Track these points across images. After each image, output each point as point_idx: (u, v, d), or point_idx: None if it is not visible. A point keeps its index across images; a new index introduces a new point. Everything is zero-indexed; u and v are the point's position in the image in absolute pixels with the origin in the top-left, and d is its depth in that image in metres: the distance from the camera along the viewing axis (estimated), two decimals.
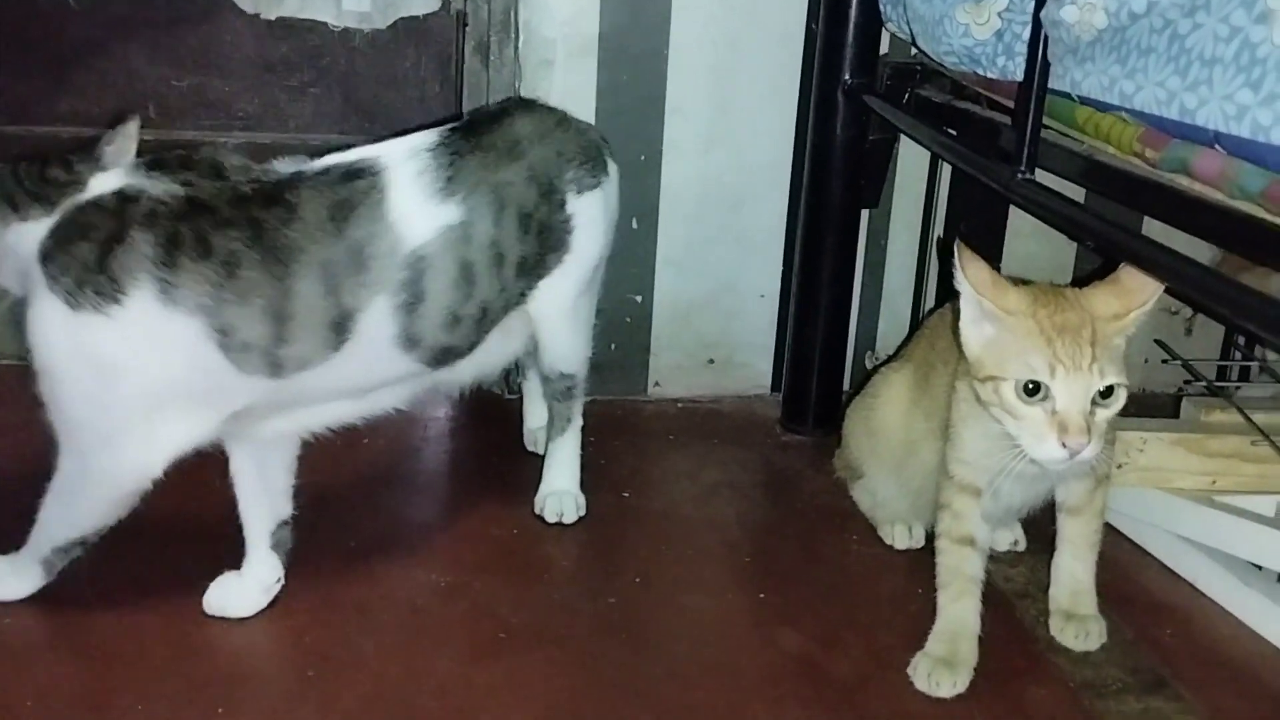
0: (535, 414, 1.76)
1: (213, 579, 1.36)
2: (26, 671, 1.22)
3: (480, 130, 1.35)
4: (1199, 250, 1.16)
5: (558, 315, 1.45)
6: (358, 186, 1.23)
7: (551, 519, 1.56)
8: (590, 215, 1.42)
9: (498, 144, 1.34)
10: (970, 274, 1.17)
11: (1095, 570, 1.36)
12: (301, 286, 1.18)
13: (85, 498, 1.26)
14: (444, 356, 1.32)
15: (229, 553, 1.41)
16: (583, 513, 1.58)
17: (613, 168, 1.49)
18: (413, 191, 1.25)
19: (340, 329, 1.21)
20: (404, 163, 1.27)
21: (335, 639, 1.30)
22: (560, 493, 1.58)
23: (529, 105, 1.47)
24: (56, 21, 2.39)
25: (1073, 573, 1.35)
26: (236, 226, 1.17)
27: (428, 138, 1.31)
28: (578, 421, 1.60)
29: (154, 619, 1.32)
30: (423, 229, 1.24)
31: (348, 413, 1.35)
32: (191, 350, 1.17)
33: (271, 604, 1.35)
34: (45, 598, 1.33)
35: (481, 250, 1.29)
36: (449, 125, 1.35)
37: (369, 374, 1.29)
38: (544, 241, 1.37)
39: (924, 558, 1.51)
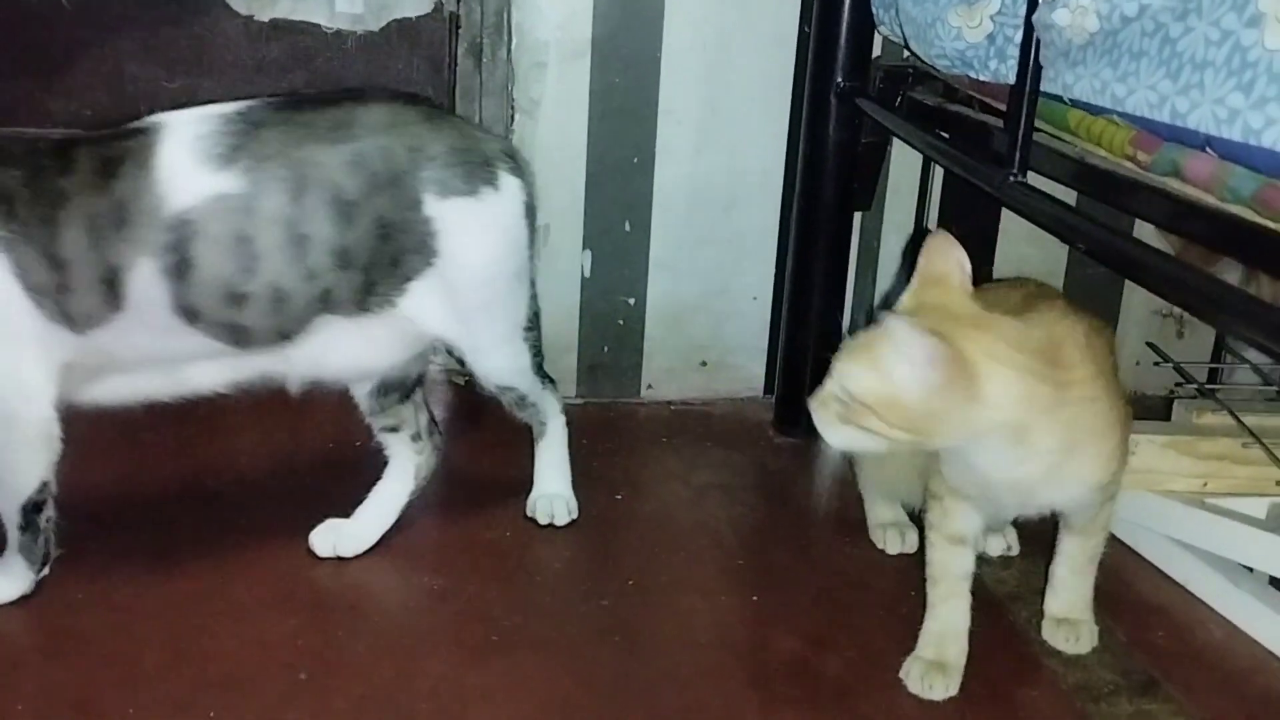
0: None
1: (204, 583, 1.36)
2: (18, 676, 1.21)
3: (302, 106, 1.31)
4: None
5: (455, 326, 1.38)
6: (130, 144, 1.23)
7: (543, 521, 1.56)
8: (464, 224, 1.33)
9: (317, 123, 1.28)
10: (920, 262, 1.16)
11: (1093, 582, 1.35)
12: (68, 235, 1.20)
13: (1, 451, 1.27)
14: (241, 336, 1.28)
15: (217, 555, 1.41)
16: (574, 515, 1.58)
17: (510, 183, 1.36)
18: (185, 155, 1.22)
19: (113, 287, 1.21)
20: (185, 126, 1.24)
21: (327, 641, 1.30)
22: (551, 495, 1.58)
23: (398, 97, 1.40)
24: (48, 22, 2.38)
25: (1070, 586, 1.35)
26: (16, 167, 1.21)
27: (230, 105, 1.28)
28: (555, 424, 1.58)
29: (146, 622, 1.32)
30: (190, 193, 1.21)
31: (163, 387, 1.33)
32: (6, 286, 1.20)
33: (266, 607, 1.35)
34: (37, 602, 1.33)
35: (269, 227, 1.24)
36: (271, 97, 1.32)
37: (163, 344, 1.27)
38: (391, 240, 1.30)
39: (916, 561, 1.51)
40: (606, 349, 2.02)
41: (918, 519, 1.55)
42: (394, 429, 1.52)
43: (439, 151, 1.32)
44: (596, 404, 2.01)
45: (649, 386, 2.04)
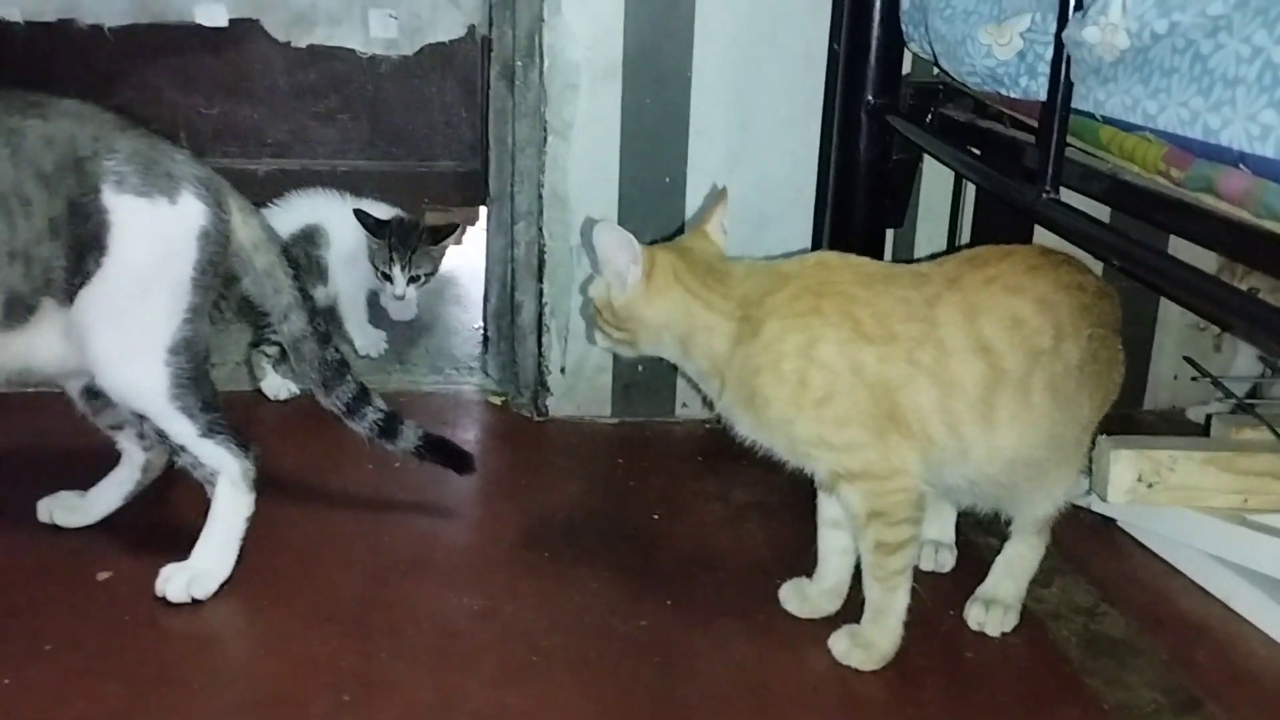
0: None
1: (248, 603, 1.38)
2: (66, 692, 1.24)
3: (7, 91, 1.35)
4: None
5: (93, 323, 1.36)
6: None
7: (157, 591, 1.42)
8: (135, 224, 1.34)
9: (13, 96, 1.33)
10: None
11: (876, 602, 1.33)
12: None
13: None
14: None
15: (259, 576, 1.43)
16: (197, 595, 1.40)
17: (191, 204, 1.38)
18: None
19: None
20: None
21: (370, 662, 1.31)
22: (186, 565, 1.43)
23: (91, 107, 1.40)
24: (91, 51, 2.44)
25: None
26: None
27: None
28: (224, 486, 1.45)
29: (191, 642, 1.34)
30: None
31: None
32: None
33: (309, 627, 1.37)
34: (84, 622, 1.36)
35: (10, 185, 1.29)
36: None
37: None
38: (76, 218, 1.32)
39: (953, 580, 1.51)
40: (641, 368, 2.03)
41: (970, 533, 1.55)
42: (117, 426, 1.55)
43: (123, 148, 1.35)
44: (632, 423, 2.02)
45: (684, 405, 2.05)
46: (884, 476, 1.28)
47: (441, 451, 1.60)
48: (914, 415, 1.27)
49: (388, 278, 2.22)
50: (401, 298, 2.25)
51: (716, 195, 1.43)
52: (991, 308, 1.27)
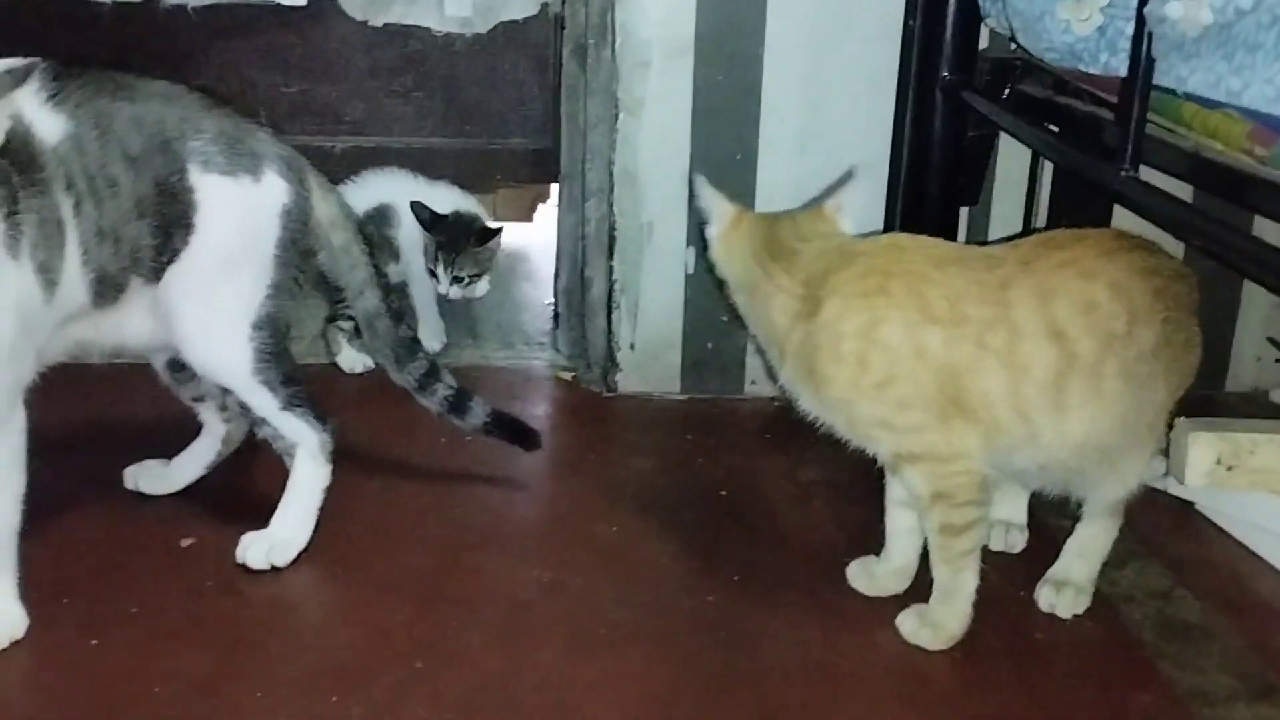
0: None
1: (322, 573, 1.42)
2: (151, 658, 1.28)
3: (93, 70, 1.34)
4: None
5: (180, 299, 1.38)
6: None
7: (238, 559, 1.45)
8: (221, 203, 1.37)
9: (103, 78, 1.33)
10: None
11: (943, 583, 1.32)
12: None
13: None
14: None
15: (333, 547, 1.47)
16: (277, 563, 1.44)
17: (274, 182, 1.41)
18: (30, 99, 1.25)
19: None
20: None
21: (442, 632, 1.34)
22: (267, 534, 1.47)
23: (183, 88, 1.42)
24: (172, 31, 2.49)
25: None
26: None
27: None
28: (303, 457, 1.48)
29: (270, 610, 1.38)
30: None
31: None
32: None
33: (382, 597, 1.40)
34: (165, 583, 1.40)
35: (97, 166, 1.29)
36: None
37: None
38: (164, 197, 1.34)
39: (1023, 560, 1.50)
40: (710, 345, 2.03)
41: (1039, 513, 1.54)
42: (200, 399, 1.59)
43: (209, 129, 1.37)
44: (700, 400, 2.03)
45: (752, 383, 2.05)
46: (946, 459, 1.27)
47: (509, 429, 1.63)
48: (981, 400, 1.25)
49: (434, 274, 2.21)
50: (446, 295, 2.23)
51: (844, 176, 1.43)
52: (1065, 292, 1.25)
